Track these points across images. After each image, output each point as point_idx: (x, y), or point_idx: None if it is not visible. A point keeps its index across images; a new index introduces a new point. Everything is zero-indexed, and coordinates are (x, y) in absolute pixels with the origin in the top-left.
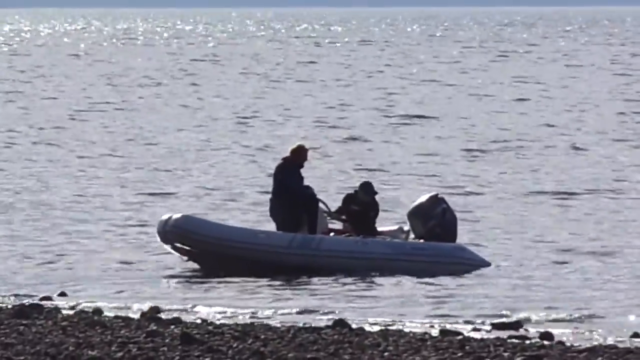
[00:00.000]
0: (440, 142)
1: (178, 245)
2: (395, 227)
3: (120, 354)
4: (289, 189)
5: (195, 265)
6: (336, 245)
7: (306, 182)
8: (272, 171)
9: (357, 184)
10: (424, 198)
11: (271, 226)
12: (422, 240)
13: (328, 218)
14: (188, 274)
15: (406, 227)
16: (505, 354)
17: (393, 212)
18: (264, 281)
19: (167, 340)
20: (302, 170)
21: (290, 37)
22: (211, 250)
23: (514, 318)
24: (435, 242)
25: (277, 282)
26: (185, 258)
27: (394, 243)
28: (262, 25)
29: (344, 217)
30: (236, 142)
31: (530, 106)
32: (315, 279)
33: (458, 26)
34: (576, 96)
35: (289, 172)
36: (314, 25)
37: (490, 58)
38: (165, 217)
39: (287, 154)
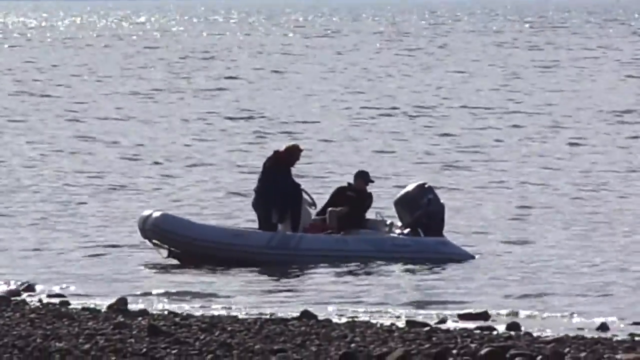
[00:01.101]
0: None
1: (156, 242)
2: (378, 219)
3: (87, 346)
4: (275, 185)
5: (162, 258)
6: (316, 243)
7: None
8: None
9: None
10: (411, 187)
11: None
12: (407, 230)
13: (311, 208)
14: (155, 266)
15: (389, 221)
16: (473, 345)
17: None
18: (231, 273)
19: (134, 332)
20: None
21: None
22: (189, 250)
23: (481, 309)
24: (422, 231)
25: (244, 274)
26: (165, 254)
27: (375, 239)
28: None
29: (334, 209)
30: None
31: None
32: (282, 271)
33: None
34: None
35: (280, 170)
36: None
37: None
38: (145, 213)
39: (281, 149)
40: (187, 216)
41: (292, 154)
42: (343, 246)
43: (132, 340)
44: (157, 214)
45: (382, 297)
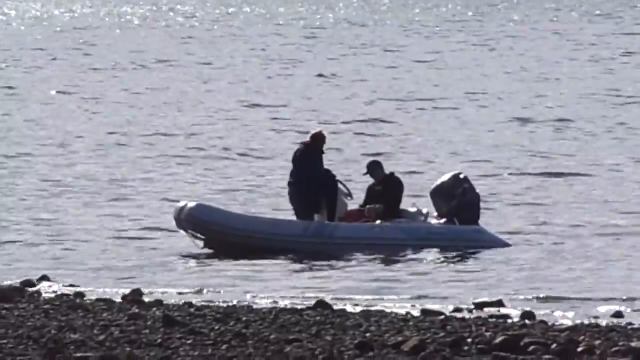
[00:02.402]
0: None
1: (192, 232)
2: (414, 209)
3: (102, 337)
4: (309, 173)
5: (176, 248)
6: (351, 232)
7: (326, 167)
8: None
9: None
10: (446, 177)
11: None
12: (443, 220)
13: (347, 199)
14: (169, 256)
15: (425, 210)
16: (487, 334)
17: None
18: (245, 263)
19: (149, 323)
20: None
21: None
22: (224, 240)
23: (496, 297)
24: (457, 221)
25: (259, 264)
26: (201, 245)
27: (410, 227)
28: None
29: (372, 206)
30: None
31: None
32: (298, 261)
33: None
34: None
35: (309, 158)
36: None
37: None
38: (181, 204)
39: (307, 139)
40: (222, 206)
41: (319, 139)
42: (378, 234)
43: (147, 331)
44: (192, 204)
45: (396, 286)
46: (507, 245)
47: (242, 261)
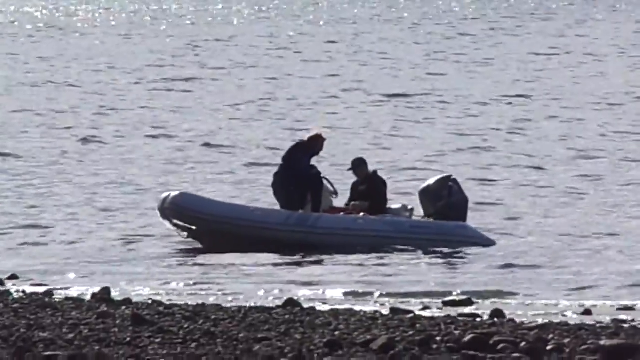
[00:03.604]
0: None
1: (176, 222)
2: (399, 206)
3: (71, 336)
4: (294, 168)
5: (146, 245)
6: (334, 222)
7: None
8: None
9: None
10: (436, 178)
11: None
12: (429, 219)
13: (332, 196)
14: (138, 254)
15: (410, 206)
16: (457, 332)
17: (403, 191)
18: (214, 261)
19: (118, 322)
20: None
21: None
22: (208, 228)
23: (465, 296)
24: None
25: (228, 262)
26: (185, 235)
27: (394, 221)
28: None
29: (357, 203)
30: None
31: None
32: (265, 258)
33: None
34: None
35: (299, 154)
36: None
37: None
38: (164, 194)
39: (305, 138)
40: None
41: (316, 142)
42: (361, 226)
43: (116, 329)
44: (175, 193)
45: (364, 284)
46: (491, 242)
47: (215, 258)
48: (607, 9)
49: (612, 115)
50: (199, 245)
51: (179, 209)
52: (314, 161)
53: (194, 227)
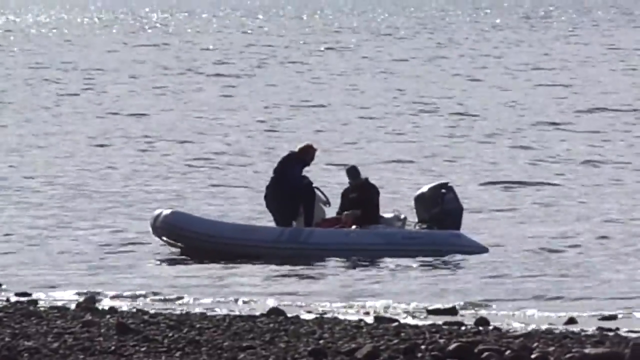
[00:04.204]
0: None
1: (168, 240)
2: (391, 215)
3: (56, 344)
4: (286, 179)
5: (131, 255)
6: (326, 237)
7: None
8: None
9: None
10: (431, 185)
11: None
12: (424, 226)
13: (325, 206)
14: (123, 263)
15: (402, 215)
16: (441, 340)
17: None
18: (199, 270)
19: (102, 330)
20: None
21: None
22: (199, 247)
23: (449, 304)
24: (437, 228)
25: (213, 272)
26: (178, 251)
27: (386, 233)
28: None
29: (349, 212)
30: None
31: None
32: (252, 267)
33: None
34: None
35: (293, 166)
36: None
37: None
38: (157, 212)
39: (296, 149)
40: (199, 213)
41: (306, 153)
42: (353, 240)
43: (101, 338)
44: (167, 211)
45: (349, 294)
46: (485, 250)
47: (200, 267)
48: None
49: (605, 124)
50: (184, 255)
51: (171, 228)
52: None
53: (184, 246)
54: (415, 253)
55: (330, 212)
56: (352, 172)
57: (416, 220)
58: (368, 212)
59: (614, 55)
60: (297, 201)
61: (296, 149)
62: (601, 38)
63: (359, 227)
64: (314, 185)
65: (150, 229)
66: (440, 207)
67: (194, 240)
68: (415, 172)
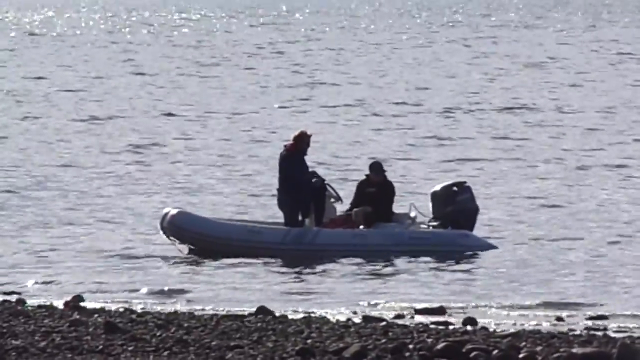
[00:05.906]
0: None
1: (174, 239)
2: (404, 213)
3: (44, 343)
4: (294, 179)
5: (119, 254)
6: (332, 238)
7: (315, 169)
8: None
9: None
10: (449, 182)
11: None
12: (435, 224)
13: (336, 203)
14: (111, 263)
15: (413, 214)
16: (429, 340)
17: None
18: (187, 268)
19: (90, 329)
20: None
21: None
22: (206, 247)
23: (438, 304)
24: (451, 227)
25: (202, 270)
26: (185, 251)
27: (393, 233)
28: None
29: (358, 209)
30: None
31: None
32: (240, 267)
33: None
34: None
35: (293, 162)
36: None
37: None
38: (164, 210)
39: (290, 141)
40: (207, 213)
41: (301, 140)
42: (360, 240)
43: (89, 337)
44: (173, 211)
45: (337, 293)
46: (494, 248)
47: (189, 266)
48: None
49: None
50: (172, 254)
51: (176, 228)
52: (315, 167)
53: (191, 246)
54: (423, 253)
55: (342, 206)
56: (376, 167)
57: (431, 216)
58: (383, 209)
59: None
60: (307, 199)
61: (291, 140)
62: None
63: (369, 224)
64: (325, 181)
65: (159, 228)
66: (453, 206)
67: (200, 241)
68: (431, 168)
